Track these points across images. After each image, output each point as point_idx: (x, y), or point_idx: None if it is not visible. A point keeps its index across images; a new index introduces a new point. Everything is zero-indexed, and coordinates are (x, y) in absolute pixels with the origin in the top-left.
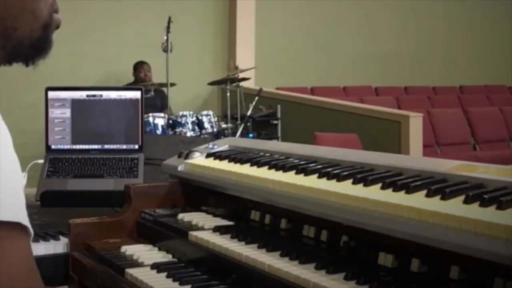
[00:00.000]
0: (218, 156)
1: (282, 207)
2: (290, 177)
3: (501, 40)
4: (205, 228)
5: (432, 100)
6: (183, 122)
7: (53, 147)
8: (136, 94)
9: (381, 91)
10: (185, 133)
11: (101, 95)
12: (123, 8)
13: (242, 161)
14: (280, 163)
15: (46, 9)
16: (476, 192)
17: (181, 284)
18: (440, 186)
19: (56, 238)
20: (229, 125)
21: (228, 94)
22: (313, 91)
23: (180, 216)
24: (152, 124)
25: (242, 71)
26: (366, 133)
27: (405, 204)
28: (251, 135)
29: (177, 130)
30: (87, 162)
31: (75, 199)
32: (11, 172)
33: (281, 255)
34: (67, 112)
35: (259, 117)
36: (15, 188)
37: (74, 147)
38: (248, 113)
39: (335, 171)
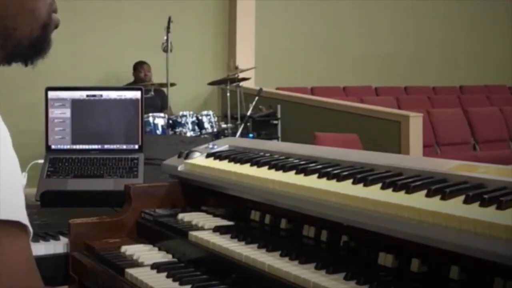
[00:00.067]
0: (218, 156)
1: (282, 207)
2: (290, 177)
3: (502, 40)
4: (205, 228)
5: (432, 100)
6: (183, 122)
7: (53, 147)
8: (136, 94)
9: (381, 91)
10: (185, 133)
11: (101, 95)
12: (123, 8)
13: (242, 161)
14: (280, 163)
15: (45, 9)
16: (476, 192)
17: (181, 284)
18: (440, 186)
19: (56, 238)
20: (229, 125)
21: (228, 94)
22: (313, 91)
23: (180, 216)
24: (152, 124)
25: (242, 71)
26: (366, 133)
27: (405, 204)
28: (251, 135)
29: (177, 130)
30: (87, 162)
31: (75, 199)
32: (11, 172)
33: (281, 255)
34: (67, 112)
35: (259, 117)
36: (15, 188)
37: (74, 147)
38: (248, 113)
39: (335, 171)
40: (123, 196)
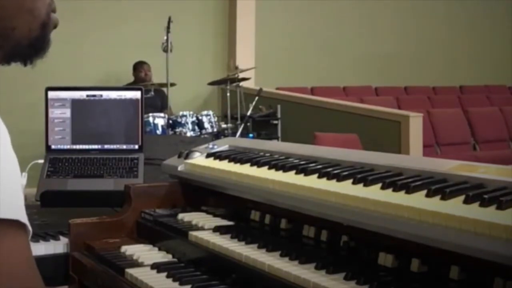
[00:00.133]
0: (218, 156)
1: (282, 207)
2: (290, 177)
3: (502, 40)
4: (205, 228)
5: (432, 100)
6: (183, 122)
7: (53, 147)
8: (136, 94)
9: (381, 91)
10: (185, 133)
11: (101, 95)
12: (123, 8)
13: (242, 161)
14: (280, 163)
15: (44, 9)
16: (476, 192)
17: (181, 284)
18: (440, 186)
19: (56, 238)
20: (229, 125)
21: (228, 94)
22: (313, 91)
23: (180, 216)
24: (152, 124)
25: (242, 71)
26: (366, 133)
27: (405, 204)
28: (251, 135)
29: (177, 130)
30: (87, 162)
31: (75, 199)
32: (11, 172)
33: (281, 255)
34: (67, 112)
35: (259, 117)
36: (14, 188)
37: (74, 147)
38: (248, 113)
39: (335, 171)
40: (123, 196)
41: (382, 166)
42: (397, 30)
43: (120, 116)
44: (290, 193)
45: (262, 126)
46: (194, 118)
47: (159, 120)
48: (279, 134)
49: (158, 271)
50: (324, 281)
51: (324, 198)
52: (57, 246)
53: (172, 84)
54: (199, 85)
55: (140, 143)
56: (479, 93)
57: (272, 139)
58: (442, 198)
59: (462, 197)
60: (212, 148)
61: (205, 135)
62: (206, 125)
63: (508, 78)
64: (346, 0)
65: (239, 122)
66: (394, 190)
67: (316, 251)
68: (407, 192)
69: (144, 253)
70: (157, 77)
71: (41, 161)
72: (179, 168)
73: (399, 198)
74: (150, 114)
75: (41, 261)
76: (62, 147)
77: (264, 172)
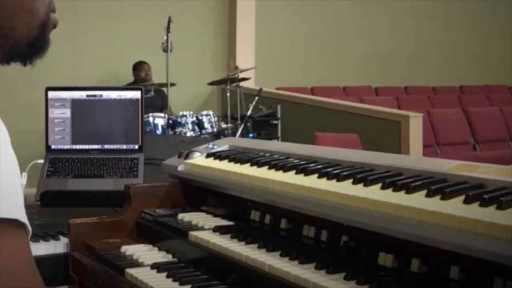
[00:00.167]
0: (218, 156)
1: (282, 207)
2: (290, 177)
3: (501, 40)
4: (205, 228)
5: (432, 100)
6: (183, 122)
7: (53, 147)
8: (136, 94)
9: (381, 91)
10: (185, 133)
11: (101, 95)
12: (123, 8)
13: (242, 161)
14: (280, 163)
15: (43, 9)
16: (476, 192)
17: (181, 284)
18: (440, 186)
19: (56, 238)
20: (229, 125)
21: (228, 94)
22: (313, 91)
23: (180, 216)
24: (152, 124)
25: (242, 71)
26: (366, 133)
27: (405, 204)
28: (251, 135)
29: (177, 130)
30: (87, 162)
31: (75, 199)
32: (11, 172)
33: (281, 255)
34: (67, 112)
35: (259, 117)
36: (14, 188)
37: (74, 147)
38: (248, 113)
39: (335, 171)
40: (123, 196)
41: (382, 166)
42: (397, 30)
43: (120, 116)
44: (290, 193)
45: (262, 126)
46: (194, 118)
47: (159, 120)
48: (279, 134)
49: (158, 271)
50: (324, 281)
51: (324, 198)
52: (57, 246)
53: (172, 84)
54: (199, 85)
55: (140, 143)
56: (479, 93)
57: (272, 139)
58: (442, 198)
59: (462, 197)
60: (212, 148)
61: (205, 135)
62: (206, 125)
63: (508, 78)
64: (346, 0)
65: (239, 122)
66: (394, 190)
67: (316, 251)
68: (407, 192)
69: (144, 253)
70: (157, 77)
71: (41, 161)
72: (179, 168)
73: (399, 198)
74: (150, 114)
75: (41, 261)
76: (62, 147)
77: (264, 172)
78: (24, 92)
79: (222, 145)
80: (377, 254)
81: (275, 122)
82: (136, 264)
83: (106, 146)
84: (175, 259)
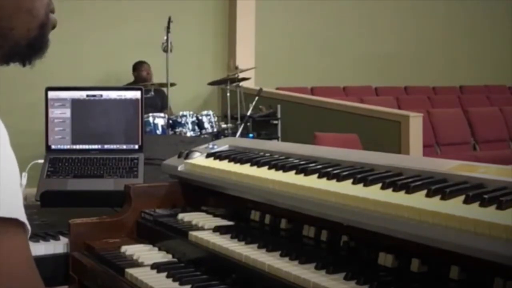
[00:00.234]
0: (218, 156)
1: (282, 207)
2: (290, 177)
3: (501, 40)
4: (205, 228)
5: (432, 100)
6: (183, 122)
7: (53, 147)
8: (136, 94)
9: (381, 91)
10: (185, 133)
11: (101, 95)
12: (123, 8)
13: (242, 161)
14: (280, 163)
15: (42, 9)
16: (476, 192)
17: (181, 284)
18: (440, 186)
19: (56, 238)
20: (229, 125)
21: (228, 94)
22: (313, 91)
23: (180, 216)
24: (152, 124)
25: (242, 71)
26: (366, 133)
27: (405, 204)
28: (251, 135)
29: (177, 130)
30: (87, 162)
31: (75, 199)
32: (10, 172)
33: (281, 255)
34: (67, 112)
35: (259, 117)
36: (14, 188)
37: (74, 147)
38: (248, 113)
39: (335, 171)
40: (123, 196)
41: (382, 166)
42: (397, 30)
43: (120, 116)
44: (290, 193)
45: (262, 126)
46: (194, 118)
47: (159, 120)
48: (279, 134)
49: (158, 271)
50: (324, 281)
51: (324, 198)
52: (57, 246)
53: (172, 84)
54: (199, 85)
55: (140, 143)
56: (479, 93)
57: (272, 139)
58: (442, 198)
59: (462, 197)
60: (212, 148)
61: (205, 135)
62: (206, 125)
63: (508, 78)
64: (346, 0)
65: (239, 122)
66: (394, 190)
67: (316, 251)
68: (407, 192)
69: (144, 253)
70: (157, 77)
71: (41, 161)
72: (179, 168)
73: (399, 198)
74: (150, 114)
75: (41, 261)
76: (62, 147)
77: (264, 172)
78: (24, 92)
79: (222, 145)
80: (377, 254)
81: (275, 122)
82: (136, 264)
83: (106, 146)
84: (175, 259)
